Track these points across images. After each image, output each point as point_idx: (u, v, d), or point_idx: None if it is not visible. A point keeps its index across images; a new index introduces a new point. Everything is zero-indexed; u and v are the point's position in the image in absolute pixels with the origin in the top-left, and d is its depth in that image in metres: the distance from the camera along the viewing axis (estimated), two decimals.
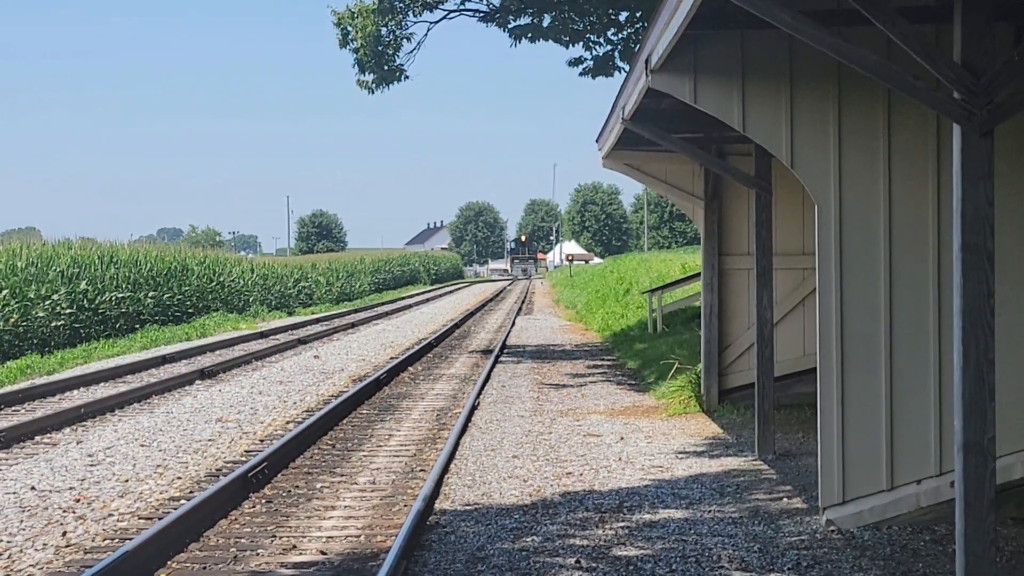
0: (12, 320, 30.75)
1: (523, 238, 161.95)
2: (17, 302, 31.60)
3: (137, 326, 40.41)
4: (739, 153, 17.27)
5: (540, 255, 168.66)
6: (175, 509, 11.44)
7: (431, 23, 30.69)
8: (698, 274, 24.39)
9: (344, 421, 18.15)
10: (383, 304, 65.70)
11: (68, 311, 34.87)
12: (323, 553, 10.18)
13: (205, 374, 24.99)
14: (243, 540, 10.68)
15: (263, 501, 12.34)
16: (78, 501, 12.26)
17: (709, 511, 11.46)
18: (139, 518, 11.57)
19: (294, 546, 10.42)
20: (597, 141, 19.25)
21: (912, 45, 7.29)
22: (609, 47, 30.02)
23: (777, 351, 15.95)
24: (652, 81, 11.19)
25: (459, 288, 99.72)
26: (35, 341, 32.17)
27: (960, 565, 7.36)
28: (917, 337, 10.36)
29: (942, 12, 9.13)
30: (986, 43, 7.37)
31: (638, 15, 28.65)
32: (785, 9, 7.63)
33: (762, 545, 10.05)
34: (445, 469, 13.68)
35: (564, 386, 22.85)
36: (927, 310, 10.36)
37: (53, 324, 33.60)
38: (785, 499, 11.98)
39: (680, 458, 14.59)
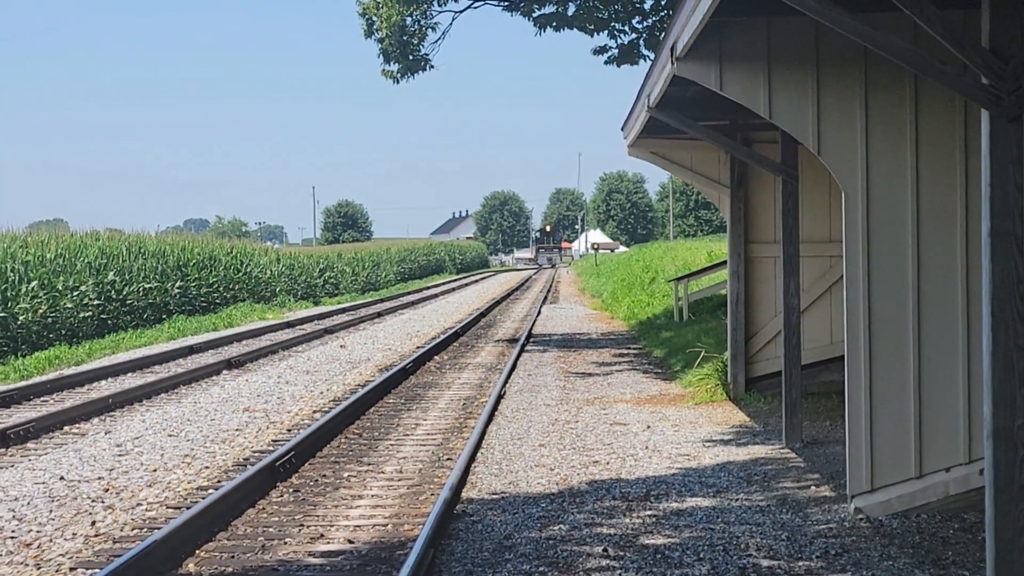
0: (41, 311, 30.89)
1: (548, 228, 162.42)
2: (46, 293, 31.73)
3: (164, 316, 40.56)
4: (765, 140, 17.20)
5: (565, 244, 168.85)
6: (203, 498, 11.48)
7: (456, 12, 30.67)
8: (724, 262, 24.34)
9: (371, 410, 18.18)
10: (409, 293, 65.75)
11: (96, 302, 35.00)
12: (350, 542, 10.20)
13: (232, 364, 25.07)
14: (271, 529, 10.71)
15: (290, 490, 12.38)
16: (107, 491, 12.31)
17: (737, 499, 11.44)
18: (167, 507, 11.62)
19: (322, 535, 10.45)
20: (622, 129, 19.21)
21: (939, 30, 7.24)
22: (634, 35, 29.91)
23: (804, 339, 15.90)
24: (678, 69, 11.15)
25: (485, 277, 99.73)
26: (63, 332, 32.31)
27: (990, 553, 7.32)
28: (945, 323, 10.31)
29: None
30: (1014, 28, 7.31)
31: (663, 3, 28.56)
32: None
33: (790, 533, 10.03)
34: (472, 458, 13.69)
35: (590, 375, 22.84)
36: (955, 296, 10.31)
37: (81, 315, 33.73)
38: (813, 487, 11.95)
39: (707, 446, 14.57)
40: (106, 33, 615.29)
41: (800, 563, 9.11)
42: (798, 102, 10.76)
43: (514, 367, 23.92)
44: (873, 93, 10.53)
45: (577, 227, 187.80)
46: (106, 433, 16.13)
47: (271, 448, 14.77)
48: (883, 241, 10.41)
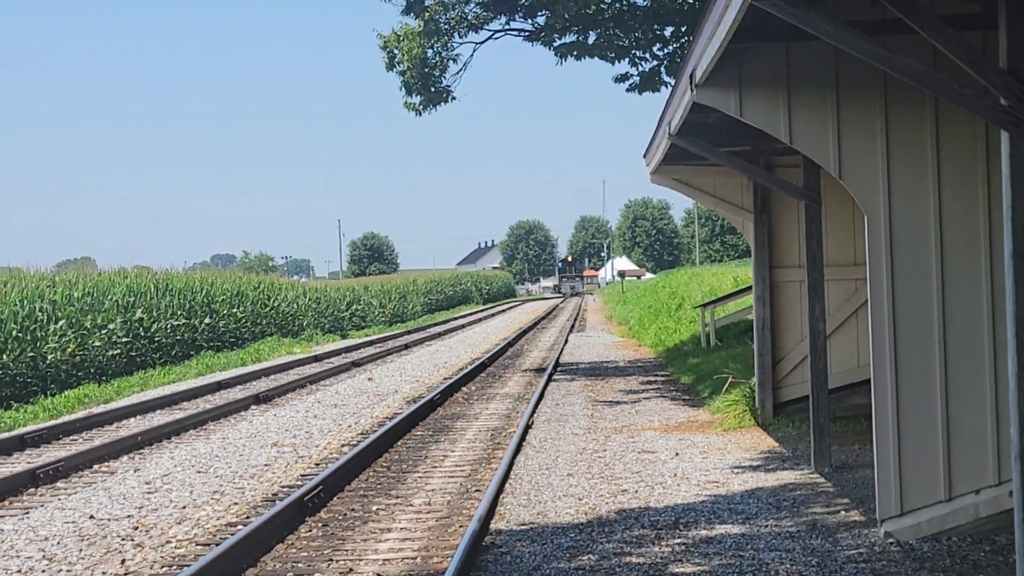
0: (69, 350, 31.05)
1: (570, 258, 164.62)
2: (74, 332, 31.91)
3: (192, 353, 40.70)
4: (787, 165, 17.18)
5: (590, 272, 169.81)
6: (232, 535, 11.49)
7: (477, 44, 30.73)
8: (750, 287, 24.31)
9: (399, 443, 18.18)
10: (436, 325, 65.81)
11: (124, 339, 35.17)
12: None
13: (260, 399, 25.12)
14: (300, 564, 10.71)
15: (319, 525, 12.38)
16: (136, 528, 12.34)
17: (766, 526, 11.39)
18: (197, 544, 11.64)
19: (351, 569, 10.45)
20: (645, 156, 19.23)
21: (957, 52, 7.25)
22: (655, 62, 29.94)
23: (831, 363, 15.84)
24: (697, 96, 11.17)
25: (511, 307, 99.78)
26: (92, 370, 32.47)
27: (1021, 575, 7.27)
28: (971, 345, 10.27)
29: (987, 19, 9.06)
30: None
31: (683, 30, 28.59)
32: (828, 20, 7.61)
33: (820, 559, 9.97)
34: (500, 489, 13.67)
35: (618, 403, 22.80)
36: (980, 317, 10.26)
37: (109, 353, 33.89)
38: (843, 512, 11.89)
39: (736, 473, 14.52)
40: (128, 67, 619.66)
41: None
42: (818, 127, 10.76)
43: (541, 396, 23.90)
44: (893, 116, 10.52)
45: (603, 255, 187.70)
46: (135, 471, 16.18)
47: (300, 483, 14.78)
48: (907, 263, 10.38)
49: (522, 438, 17.79)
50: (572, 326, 57.41)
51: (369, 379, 29.97)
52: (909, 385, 10.33)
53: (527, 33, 30.16)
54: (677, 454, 16.10)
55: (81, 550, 11.45)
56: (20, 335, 29.13)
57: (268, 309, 51.73)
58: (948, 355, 10.30)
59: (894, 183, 10.45)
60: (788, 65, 10.86)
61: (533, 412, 21.07)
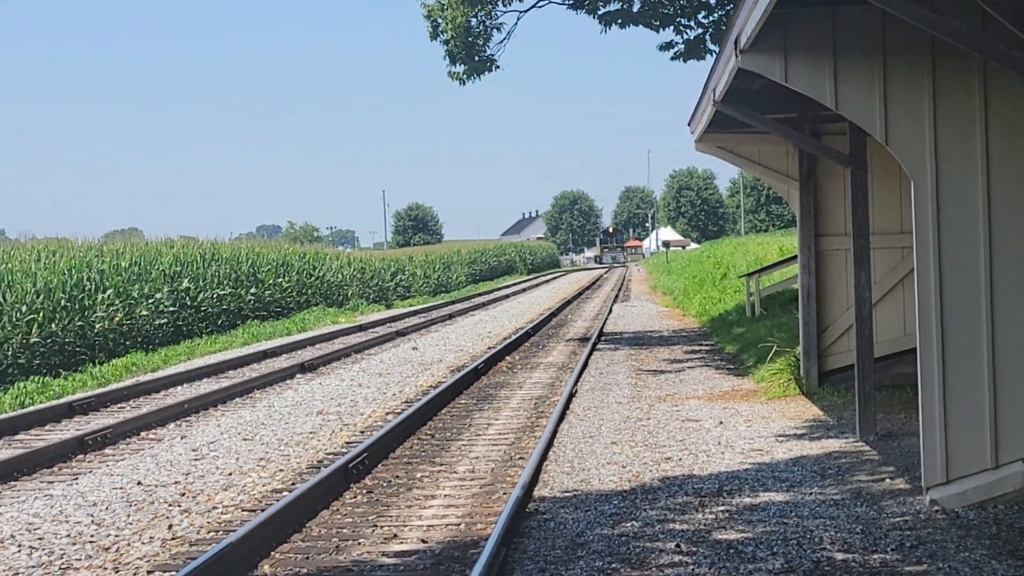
0: (117, 319, 31.30)
1: (611, 229, 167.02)
2: (121, 301, 32.16)
3: (238, 322, 40.95)
4: (833, 132, 17.07)
5: (634, 243, 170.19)
6: (278, 501, 11.56)
7: (520, 12, 30.65)
8: (795, 256, 24.19)
9: (443, 411, 18.24)
10: (480, 295, 65.87)
11: (171, 309, 35.41)
12: (424, 542, 10.24)
13: (305, 368, 25.24)
14: (345, 530, 10.77)
15: (364, 491, 12.45)
16: (183, 495, 12.45)
17: (810, 493, 11.36)
18: (243, 510, 11.73)
19: (395, 535, 10.50)
20: (689, 124, 19.15)
21: (1006, 15, 7.18)
22: (700, 30, 29.81)
23: (877, 332, 15.74)
24: (742, 61, 11.10)
25: (555, 277, 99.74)
26: (139, 339, 32.72)
27: None
28: (1018, 313, 10.18)
29: None
30: None
31: None
32: None
33: (865, 526, 9.94)
34: (543, 456, 13.69)
35: (662, 372, 22.78)
36: None
37: (156, 322, 34.15)
38: (888, 480, 11.84)
39: (780, 441, 14.48)
40: (171, 38, 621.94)
41: (875, 556, 9.04)
42: (865, 92, 10.67)
43: (585, 366, 23.90)
44: (941, 82, 10.42)
45: (648, 225, 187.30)
46: (182, 438, 16.31)
47: (344, 450, 14.86)
48: (954, 232, 10.29)
49: (566, 406, 17.80)
50: (616, 296, 57.36)
51: (413, 348, 30.05)
52: (955, 353, 10.26)
53: (571, 1, 30.05)
54: (721, 423, 16.07)
55: (129, 515, 11.56)
56: (68, 304, 29.41)
57: (313, 279, 51.92)
58: (995, 323, 10.22)
59: (941, 150, 10.35)
60: (834, 30, 10.76)
61: (577, 381, 21.08)
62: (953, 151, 10.34)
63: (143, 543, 10.52)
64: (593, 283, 78.31)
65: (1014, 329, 10.18)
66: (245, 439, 15.94)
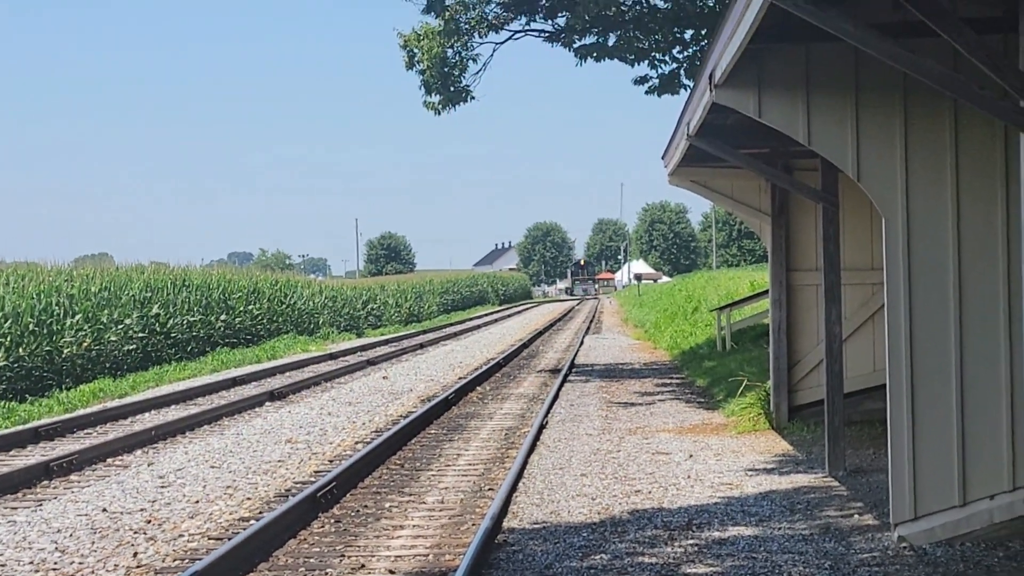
0: (85, 344, 31.13)
1: (582, 262, 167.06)
2: (90, 326, 32.00)
3: (208, 349, 40.80)
4: (805, 168, 17.15)
5: (605, 275, 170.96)
6: (245, 529, 11.49)
7: (497, 44, 30.68)
8: (766, 291, 24.27)
9: (413, 441, 18.18)
10: (451, 325, 65.85)
11: (140, 335, 35.27)
12: (391, 572, 10.19)
13: (275, 396, 25.14)
14: (312, 560, 10.71)
15: (332, 521, 12.38)
16: (149, 522, 12.36)
17: (779, 528, 11.36)
18: (209, 539, 11.65)
19: (363, 565, 10.44)
20: (663, 158, 19.20)
21: (978, 55, 7.23)
22: (675, 65, 29.90)
23: (847, 367, 15.80)
24: (716, 96, 11.14)
25: (527, 308, 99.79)
26: (108, 365, 32.55)
27: None
28: (988, 351, 10.22)
29: (1008, 22, 9.03)
30: None
31: (703, 33, 28.53)
32: (849, 21, 7.59)
33: (833, 562, 9.94)
34: (513, 488, 13.66)
35: (633, 404, 22.77)
36: (997, 321, 10.22)
37: (125, 348, 33.99)
38: (856, 515, 11.85)
39: (750, 475, 14.49)
40: (144, 64, 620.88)
41: None
42: (837, 128, 10.72)
43: (556, 397, 23.88)
44: (912, 119, 10.48)
45: (620, 257, 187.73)
46: (149, 465, 16.21)
47: (313, 479, 14.79)
48: (924, 267, 10.34)
49: (536, 438, 17.77)
50: (588, 328, 57.40)
51: (384, 377, 30.00)
52: (925, 390, 10.29)
53: (547, 34, 30.14)
54: (691, 456, 16.07)
55: (93, 543, 11.47)
56: (36, 329, 29.23)
57: (284, 307, 51.84)
58: (964, 360, 10.26)
59: (912, 186, 10.41)
60: (808, 66, 10.83)
61: (547, 412, 21.06)
62: (924, 188, 10.39)
63: (107, 571, 10.42)
64: (565, 315, 78.34)
65: (983, 366, 10.22)
66: (213, 467, 15.85)
